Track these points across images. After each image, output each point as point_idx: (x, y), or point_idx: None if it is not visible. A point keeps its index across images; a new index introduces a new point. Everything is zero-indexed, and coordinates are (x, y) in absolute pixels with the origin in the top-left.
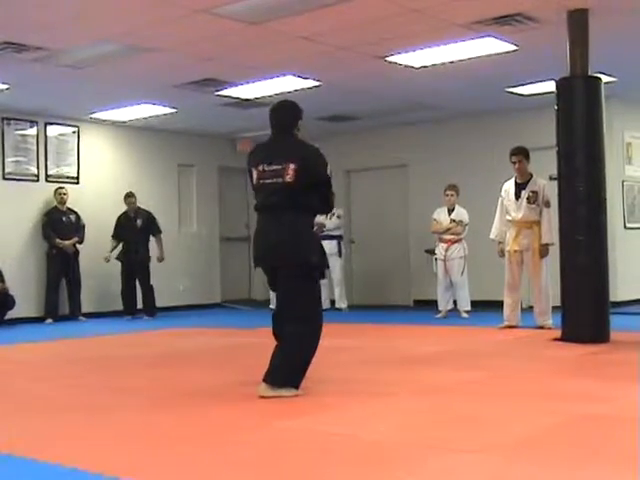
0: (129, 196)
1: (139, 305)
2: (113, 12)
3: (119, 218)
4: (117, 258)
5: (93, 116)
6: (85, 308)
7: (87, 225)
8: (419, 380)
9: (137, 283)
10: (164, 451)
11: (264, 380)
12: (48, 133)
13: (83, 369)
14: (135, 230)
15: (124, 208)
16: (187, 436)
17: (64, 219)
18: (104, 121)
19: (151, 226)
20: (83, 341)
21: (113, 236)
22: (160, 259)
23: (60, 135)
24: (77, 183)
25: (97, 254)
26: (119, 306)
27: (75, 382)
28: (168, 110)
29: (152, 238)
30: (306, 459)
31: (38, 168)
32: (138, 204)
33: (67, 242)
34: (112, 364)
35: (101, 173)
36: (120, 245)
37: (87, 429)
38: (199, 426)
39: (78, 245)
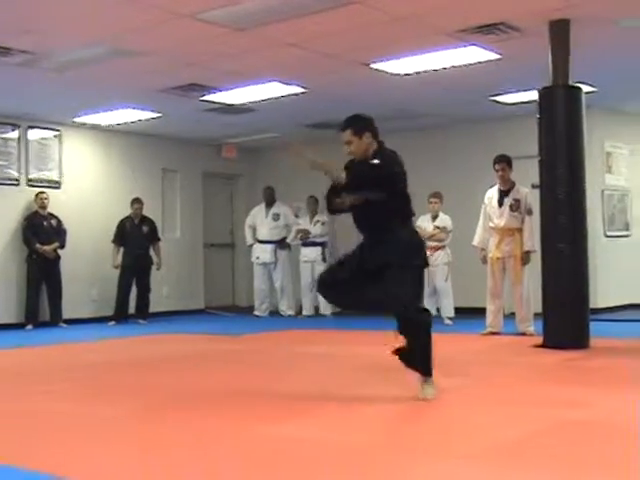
0: (137, 202)
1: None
2: (98, 16)
3: (123, 223)
4: (121, 263)
5: (76, 120)
6: (66, 314)
7: (69, 230)
8: (404, 386)
9: (134, 288)
10: (145, 456)
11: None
12: (29, 137)
13: (62, 376)
14: (142, 236)
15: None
16: (168, 442)
17: (45, 224)
18: (87, 125)
19: (153, 233)
20: (63, 347)
21: (115, 241)
22: (159, 267)
23: (42, 139)
24: (59, 188)
25: (78, 259)
26: (101, 312)
27: (52, 389)
28: (152, 115)
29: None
30: (290, 465)
31: (19, 172)
32: (120, 209)
33: (48, 247)
34: (93, 371)
35: (83, 178)
36: (121, 250)
37: (67, 436)
38: (182, 433)
39: (59, 250)
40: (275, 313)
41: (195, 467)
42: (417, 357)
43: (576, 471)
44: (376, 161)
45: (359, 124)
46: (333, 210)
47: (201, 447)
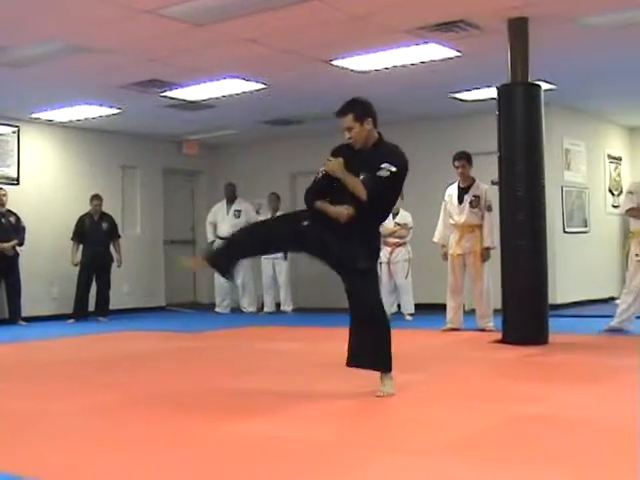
0: (96, 198)
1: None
2: (57, 11)
3: (82, 220)
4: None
5: (34, 116)
6: (26, 312)
7: (27, 227)
8: (361, 382)
9: (94, 286)
10: (106, 455)
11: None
12: None
13: (19, 374)
14: (101, 233)
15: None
16: (131, 441)
17: (3, 221)
18: (46, 121)
19: (113, 230)
20: (22, 345)
21: (74, 238)
22: (119, 264)
23: None
24: (17, 184)
25: (38, 256)
26: (62, 310)
27: (8, 387)
28: (112, 111)
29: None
30: (250, 462)
31: None
32: (80, 206)
33: (6, 244)
34: (51, 369)
35: (42, 174)
36: (80, 247)
37: (26, 434)
38: (145, 431)
39: (18, 247)
40: (236, 310)
41: (160, 466)
42: (379, 353)
43: (531, 465)
44: (394, 168)
45: (360, 109)
46: (312, 207)
47: (165, 446)
